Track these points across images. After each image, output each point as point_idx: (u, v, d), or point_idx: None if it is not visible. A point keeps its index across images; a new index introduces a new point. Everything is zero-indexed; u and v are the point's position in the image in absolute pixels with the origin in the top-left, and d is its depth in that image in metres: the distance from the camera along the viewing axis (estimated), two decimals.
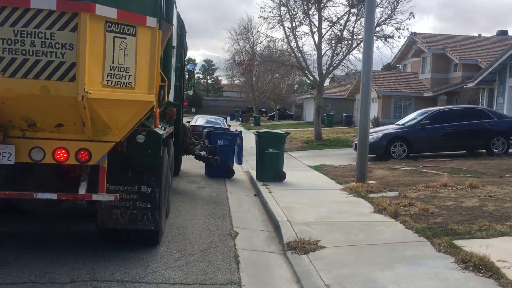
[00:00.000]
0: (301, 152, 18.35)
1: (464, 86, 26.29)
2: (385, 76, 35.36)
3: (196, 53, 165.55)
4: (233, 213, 7.79)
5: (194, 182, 10.82)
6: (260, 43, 40.64)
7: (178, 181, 10.77)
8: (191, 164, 13.83)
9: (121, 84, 4.98)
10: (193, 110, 64.02)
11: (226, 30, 67.90)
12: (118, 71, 4.83)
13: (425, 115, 15.07)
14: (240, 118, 58.40)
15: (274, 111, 59.59)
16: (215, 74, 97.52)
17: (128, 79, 5.02)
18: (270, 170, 10.79)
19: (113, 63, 4.77)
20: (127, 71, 4.95)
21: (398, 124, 16.07)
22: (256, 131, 11.67)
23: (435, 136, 14.45)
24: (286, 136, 11.34)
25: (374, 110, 34.54)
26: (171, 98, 8.10)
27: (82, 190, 4.93)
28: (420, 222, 6.72)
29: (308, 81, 26.59)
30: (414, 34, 33.27)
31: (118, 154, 5.22)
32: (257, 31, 40.89)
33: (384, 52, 66.46)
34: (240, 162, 12.19)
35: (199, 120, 21.68)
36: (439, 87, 31.73)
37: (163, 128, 6.59)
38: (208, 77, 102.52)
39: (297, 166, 14.25)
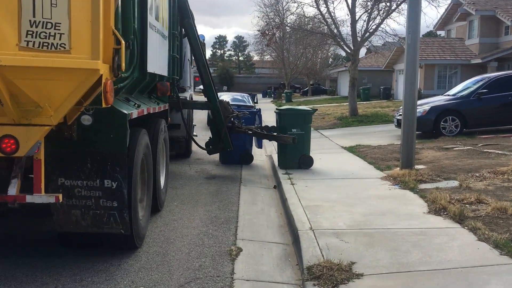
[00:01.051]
0: (334, 131, 16.31)
1: None
2: (427, 43, 32.31)
3: (229, 30, 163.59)
4: (241, 216, 6.01)
5: (204, 171, 9.10)
6: (291, 14, 38.24)
7: (185, 170, 9.08)
8: None
9: (49, 46, 3.55)
10: (225, 88, 62.41)
11: (255, 3, 64.39)
12: (43, 27, 3.46)
13: (481, 83, 12.69)
14: (272, 95, 56.27)
15: (308, 86, 57.10)
16: (247, 50, 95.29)
17: (60, 39, 3.57)
18: (294, 155, 8.93)
19: (34, 16, 3.42)
20: (57, 27, 3.50)
21: (448, 95, 13.72)
22: (276, 108, 9.77)
23: (494, 107, 12.11)
24: (313, 113, 9.39)
25: None
26: (163, 70, 6.37)
27: (12, 190, 3.78)
28: (498, 229, 4.79)
29: (344, 52, 24.27)
30: None
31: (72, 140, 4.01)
32: (287, 2, 38.33)
33: (429, 14, 58.51)
34: (260, 145, 10.36)
35: (223, 98, 19.84)
36: (489, 52, 28.58)
37: (135, 105, 4.86)
38: (239, 54, 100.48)
39: (329, 147, 12.29)
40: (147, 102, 5.75)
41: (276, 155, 10.75)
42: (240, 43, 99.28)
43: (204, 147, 9.27)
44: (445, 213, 5.45)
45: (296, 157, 8.92)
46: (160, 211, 5.95)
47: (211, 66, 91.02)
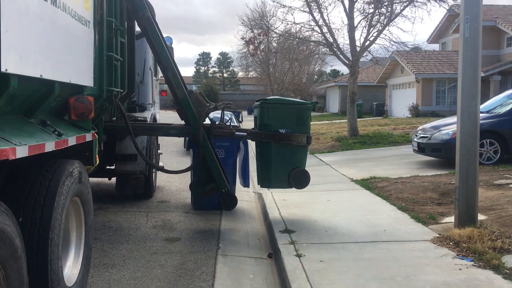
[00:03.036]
0: (334, 155, 13.67)
1: None
2: (422, 56, 30.22)
3: (213, 48, 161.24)
4: None
5: (166, 225, 6.32)
6: (280, 22, 35.77)
7: (138, 223, 6.28)
8: (179, 181, 9.36)
9: None
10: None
11: (238, 17, 62.34)
12: None
13: None
14: None
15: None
16: (231, 67, 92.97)
17: None
18: (282, 168, 6.21)
19: None
20: None
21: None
22: (257, 100, 7.04)
23: None
24: (312, 108, 6.63)
25: (412, 96, 29.58)
26: (86, 79, 3.68)
27: None
28: None
29: (328, 68, 21.75)
30: (455, 6, 28.12)
31: None
32: (272, 15, 35.95)
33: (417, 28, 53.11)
34: (246, 182, 7.62)
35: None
36: (491, 66, 26.48)
37: None
38: (224, 71, 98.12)
39: (334, 179, 9.62)
40: (33, 133, 3.01)
41: (267, 193, 8.07)
42: (224, 60, 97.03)
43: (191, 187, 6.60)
44: None
45: (284, 172, 6.20)
46: None
47: (195, 83, 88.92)
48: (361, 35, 16.77)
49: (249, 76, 57.16)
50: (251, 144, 7.47)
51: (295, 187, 6.36)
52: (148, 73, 8.38)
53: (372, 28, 16.33)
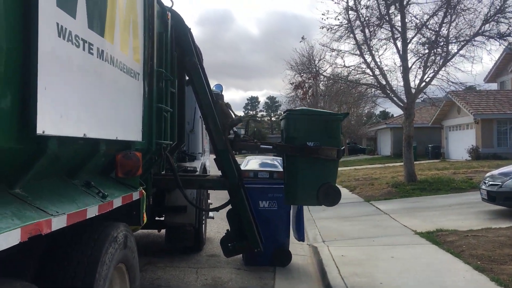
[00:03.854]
0: (391, 203, 12.86)
1: None
2: (480, 96, 28.91)
3: (260, 93, 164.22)
4: None
5: (217, 283, 5.88)
6: (329, 65, 35.69)
7: (188, 281, 5.88)
8: None
9: None
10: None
11: (286, 61, 62.97)
12: None
13: None
14: None
15: (344, 145, 53.91)
16: (279, 110, 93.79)
17: None
18: (310, 184, 5.64)
19: None
20: None
21: None
22: (283, 112, 6.58)
23: None
24: (342, 119, 6.02)
25: (470, 138, 28.12)
26: (134, 134, 3.48)
27: None
28: None
29: (378, 110, 21.13)
30: None
31: None
32: (320, 59, 35.98)
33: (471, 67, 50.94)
34: (301, 236, 7.13)
35: (251, 163, 16.83)
36: None
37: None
38: (272, 114, 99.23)
39: (395, 231, 8.89)
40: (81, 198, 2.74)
41: (324, 246, 7.52)
42: (272, 104, 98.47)
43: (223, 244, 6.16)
44: None
45: (313, 187, 5.62)
46: None
47: (244, 127, 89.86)
48: (415, 77, 16.14)
49: None
50: None
51: (324, 205, 5.78)
52: (199, 121, 8.22)
53: (427, 69, 15.74)
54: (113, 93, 3.14)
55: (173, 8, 5.41)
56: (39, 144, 2.19)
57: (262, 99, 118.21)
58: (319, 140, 5.66)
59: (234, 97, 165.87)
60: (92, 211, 2.70)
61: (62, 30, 2.28)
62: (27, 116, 2.05)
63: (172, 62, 5.25)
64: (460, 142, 29.48)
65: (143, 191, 3.93)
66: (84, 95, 2.63)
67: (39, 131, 2.06)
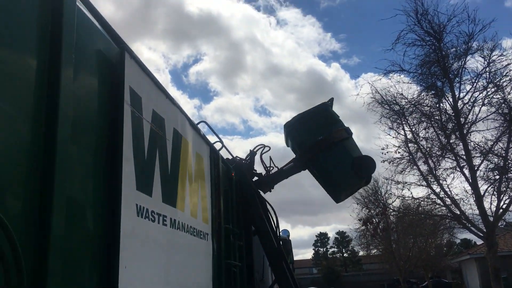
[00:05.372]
0: None
1: None
2: None
3: (328, 228, 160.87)
4: None
5: None
6: (393, 202, 34.76)
7: None
8: None
9: None
10: None
11: (352, 195, 62.24)
12: None
13: None
14: None
15: (426, 280, 49.65)
16: (350, 246, 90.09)
17: None
18: (341, 169, 5.93)
19: None
20: None
21: None
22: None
23: None
24: (330, 105, 6.30)
25: None
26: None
27: None
28: None
29: (459, 238, 19.66)
30: None
31: None
32: (386, 191, 35.41)
33: None
34: None
35: None
36: None
37: None
38: (343, 250, 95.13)
39: None
40: None
41: None
42: (342, 239, 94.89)
43: None
44: None
45: (346, 170, 5.83)
46: None
47: (315, 266, 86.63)
48: (491, 203, 15.33)
49: (371, 254, 54.38)
50: None
51: (364, 175, 5.91)
52: (268, 269, 8.13)
53: (502, 195, 15.01)
54: (185, 259, 3.31)
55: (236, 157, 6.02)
56: None
57: (331, 234, 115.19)
58: (324, 130, 5.97)
59: (302, 234, 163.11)
60: None
61: (141, 209, 2.56)
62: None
63: (238, 216, 5.47)
64: None
65: None
66: (159, 267, 2.80)
67: None
